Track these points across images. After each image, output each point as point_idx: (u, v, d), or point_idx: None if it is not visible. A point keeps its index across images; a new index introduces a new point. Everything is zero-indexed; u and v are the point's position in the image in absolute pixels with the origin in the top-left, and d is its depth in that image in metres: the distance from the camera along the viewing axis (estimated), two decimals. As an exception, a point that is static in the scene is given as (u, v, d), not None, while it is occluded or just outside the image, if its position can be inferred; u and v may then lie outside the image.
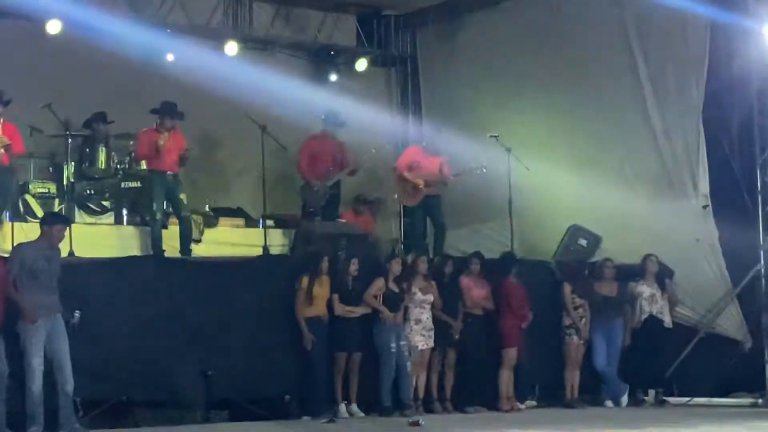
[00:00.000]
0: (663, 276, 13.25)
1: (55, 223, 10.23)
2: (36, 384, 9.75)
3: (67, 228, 10.50)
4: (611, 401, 12.90)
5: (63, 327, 9.96)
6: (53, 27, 14.59)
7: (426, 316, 11.99)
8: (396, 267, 11.97)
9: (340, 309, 11.64)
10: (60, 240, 10.16)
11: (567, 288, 12.80)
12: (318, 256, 11.89)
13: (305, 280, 11.51)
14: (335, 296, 11.65)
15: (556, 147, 15.15)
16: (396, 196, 14.17)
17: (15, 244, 10.42)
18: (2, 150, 11.56)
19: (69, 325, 10.00)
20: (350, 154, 13.80)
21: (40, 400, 9.78)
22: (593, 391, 13.05)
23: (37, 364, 9.76)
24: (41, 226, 10.22)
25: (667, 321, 13.08)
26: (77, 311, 10.03)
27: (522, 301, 12.48)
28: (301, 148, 13.65)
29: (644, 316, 12.98)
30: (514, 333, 12.37)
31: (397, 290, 11.88)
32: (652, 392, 13.09)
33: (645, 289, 13.04)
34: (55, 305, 9.95)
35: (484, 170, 13.69)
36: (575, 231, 14.33)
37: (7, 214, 12.35)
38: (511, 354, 12.34)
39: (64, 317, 9.99)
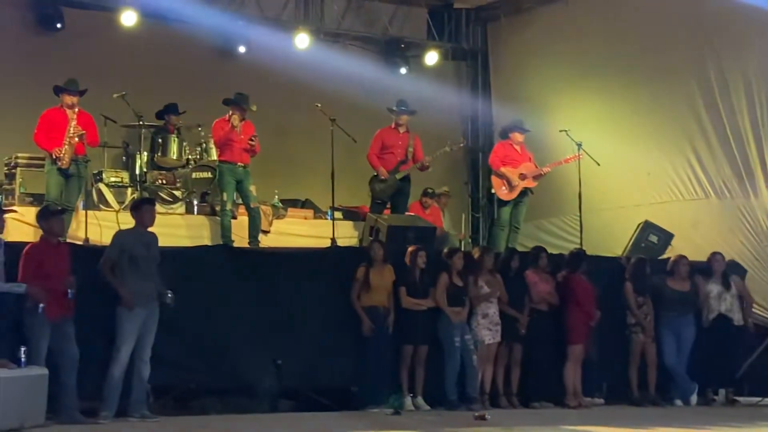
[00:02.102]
0: (729, 274, 13.07)
1: (141, 206, 10.36)
2: (119, 370, 9.87)
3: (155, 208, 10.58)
4: (680, 400, 12.75)
5: (157, 316, 10.07)
6: (128, 18, 14.79)
7: (493, 310, 11.95)
8: (459, 262, 11.93)
9: (407, 302, 11.64)
10: (152, 220, 10.23)
11: (629, 286, 12.68)
12: (372, 243, 11.91)
13: (361, 271, 11.53)
14: (402, 289, 11.65)
15: (625, 142, 15.05)
16: (492, 190, 14.13)
17: (116, 231, 10.52)
18: (77, 139, 11.73)
19: (164, 306, 10.10)
20: (422, 149, 13.75)
21: (119, 386, 9.91)
22: (663, 389, 12.90)
23: (126, 350, 9.88)
24: (132, 214, 10.33)
25: (737, 319, 12.91)
26: (169, 291, 10.13)
27: (590, 298, 12.38)
28: (373, 139, 13.64)
29: (713, 315, 12.82)
30: (580, 329, 12.28)
31: (461, 284, 11.85)
32: (722, 392, 12.93)
33: (713, 288, 12.88)
34: (153, 293, 10.05)
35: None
36: (646, 227, 14.20)
37: (81, 202, 12.55)
38: (576, 350, 12.25)
39: (159, 299, 10.11)
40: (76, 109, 11.85)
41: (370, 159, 13.58)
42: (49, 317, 9.42)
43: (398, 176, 13.55)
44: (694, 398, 12.72)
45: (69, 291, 9.55)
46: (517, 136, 13.98)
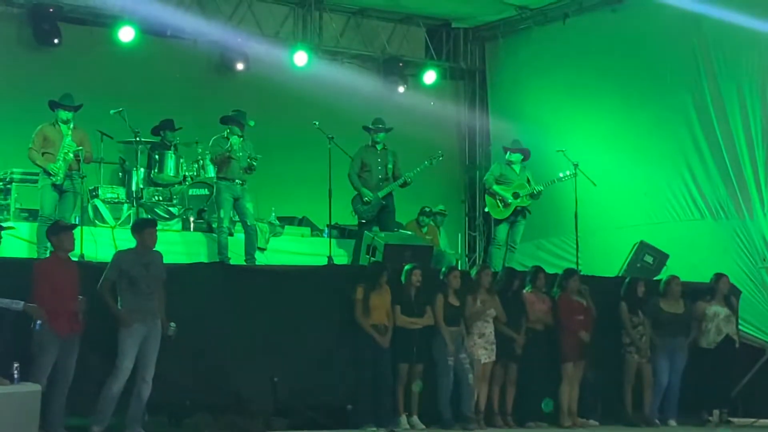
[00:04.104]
0: (731, 295, 13.07)
1: (144, 227, 10.31)
2: (118, 386, 9.84)
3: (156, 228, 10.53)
4: (674, 420, 12.73)
5: (159, 334, 10.03)
6: (126, 34, 14.80)
7: (489, 329, 11.93)
8: (455, 281, 11.92)
9: (402, 320, 11.62)
10: (153, 242, 10.21)
11: (624, 306, 12.66)
12: (377, 266, 11.90)
13: (360, 291, 11.50)
14: (397, 307, 11.62)
15: (622, 162, 15.08)
16: (486, 209, 14.14)
17: (115, 252, 10.50)
18: (71, 155, 11.71)
19: (165, 337, 10.10)
20: (400, 165, 13.73)
21: (114, 402, 9.88)
22: (659, 410, 12.87)
23: (126, 366, 9.84)
24: (133, 235, 10.31)
25: (737, 341, 12.91)
26: (172, 323, 10.13)
27: (576, 317, 12.35)
28: (352, 158, 13.57)
29: (721, 337, 12.77)
30: (570, 348, 12.26)
31: (457, 304, 11.84)
32: (716, 412, 12.91)
33: (721, 310, 12.82)
34: (153, 311, 10.02)
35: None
36: (642, 248, 14.21)
37: (77, 218, 12.53)
38: (568, 369, 12.24)
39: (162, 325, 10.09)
40: (72, 125, 11.83)
41: (351, 179, 13.52)
42: (59, 333, 9.46)
43: (380, 194, 13.49)
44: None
45: (79, 310, 9.59)
46: (514, 156, 14.01)
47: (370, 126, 13.69)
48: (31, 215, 12.43)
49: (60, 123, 11.83)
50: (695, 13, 14.16)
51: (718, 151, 14.53)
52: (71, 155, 11.70)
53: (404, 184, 13.66)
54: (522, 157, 14.04)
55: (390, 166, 13.63)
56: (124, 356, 9.86)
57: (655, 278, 13.61)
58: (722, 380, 12.78)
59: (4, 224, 10.15)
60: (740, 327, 13.34)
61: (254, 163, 12.68)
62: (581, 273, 12.91)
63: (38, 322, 9.29)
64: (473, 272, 12.33)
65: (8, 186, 12.90)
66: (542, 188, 13.84)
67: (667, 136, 14.96)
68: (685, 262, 13.94)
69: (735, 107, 14.35)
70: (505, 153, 14.20)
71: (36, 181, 12.11)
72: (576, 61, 16.15)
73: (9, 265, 9.65)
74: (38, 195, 11.95)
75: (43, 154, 11.76)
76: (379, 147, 13.64)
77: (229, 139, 12.60)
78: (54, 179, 11.69)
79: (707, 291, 12.98)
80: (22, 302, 9.28)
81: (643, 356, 12.61)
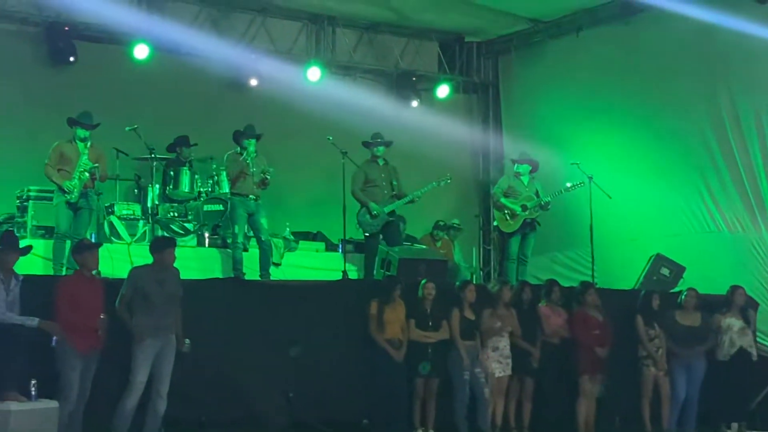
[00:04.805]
0: (747, 308, 13.02)
1: (164, 248, 10.31)
2: (132, 400, 9.86)
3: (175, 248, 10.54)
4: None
5: (173, 349, 10.06)
6: (140, 51, 14.86)
7: (503, 343, 11.91)
8: (470, 295, 11.91)
9: (416, 334, 11.61)
10: (171, 261, 10.24)
11: (640, 319, 12.62)
12: (391, 280, 11.91)
13: (374, 306, 11.50)
14: (411, 321, 11.62)
15: (637, 175, 15.06)
16: (495, 222, 14.13)
17: (131, 269, 10.52)
18: (87, 174, 11.76)
19: (180, 353, 10.13)
20: (401, 181, 13.71)
21: (130, 418, 9.90)
22: (677, 423, 12.82)
23: (140, 381, 9.87)
24: (152, 253, 10.34)
25: (754, 353, 12.85)
26: (187, 339, 10.17)
27: (592, 332, 12.32)
28: (354, 175, 13.51)
29: (734, 350, 12.74)
30: (589, 361, 12.23)
31: (472, 318, 11.82)
32: (735, 425, 12.85)
33: (735, 322, 12.78)
34: (167, 327, 10.04)
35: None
36: (658, 260, 14.18)
37: (93, 235, 12.58)
38: (586, 383, 12.21)
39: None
40: (89, 144, 11.90)
41: (356, 196, 13.44)
42: (80, 349, 9.53)
43: (386, 209, 13.46)
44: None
45: (100, 327, 9.66)
46: (522, 168, 14.01)
47: (370, 140, 13.68)
48: (48, 232, 12.48)
49: (77, 140, 11.89)
50: (711, 24, 14.11)
51: (733, 164, 14.51)
52: (87, 174, 11.77)
53: (410, 202, 13.64)
54: (530, 168, 14.03)
55: (395, 182, 13.60)
56: (137, 371, 9.88)
57: (671, 291, 13.58)
58: (740, 393, 12.72)
59: (22, 243, 10.20)
60: (759, 339, 13.29)
61: (268, 177, 12.71)
62: (597, 286, 12.89)
63: (54, 338, 9.35)
64: (491, 286, 12.32)
65: (25, 203, 12.95)
66: (550, 199, 13.81)
67: (683, 149, 14.93)
68: (702, 275, 13.89)
69: (750, 119, 14.33)
70: (513, 165, 14.21)
71: (51, 199, 12.16)
72: (590, 73, 16.14)
73: (27, 282, 9.69)
74: (53, 212, 12.01)
75: (59, 170, 11.83)
76: (380, 162, 13.63)
77: (242, 154, 12.65)
78: (69, 197, 11.75)
79: (723, 303, 12.94)
80: (37, 319, 9.35)
81: (660, 369, 12.57)
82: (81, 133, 11.89)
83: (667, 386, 12.57)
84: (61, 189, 11.80)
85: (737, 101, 14.48)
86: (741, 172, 14.38)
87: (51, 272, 11.73)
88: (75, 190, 11.74)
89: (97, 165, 11.81)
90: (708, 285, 13.35)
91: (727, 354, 12.72)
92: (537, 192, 13.90)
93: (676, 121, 14.97)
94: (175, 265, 10.35)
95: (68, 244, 11.68)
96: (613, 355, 12.34)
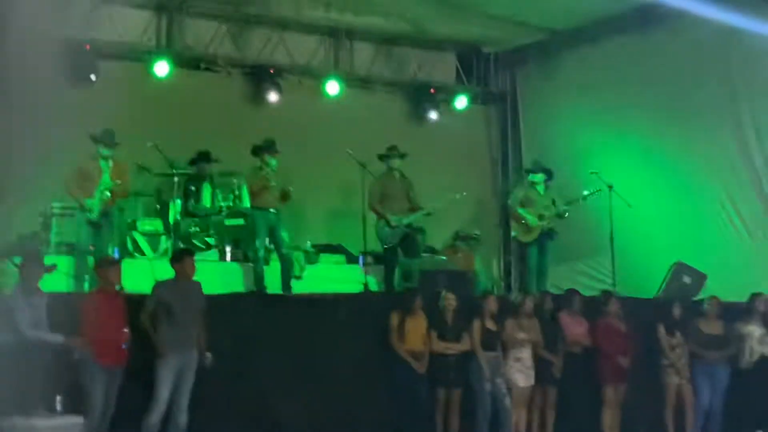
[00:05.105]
0: (769, 315, 12.98)
1: (182, 258, 10.45)
2: (156, 415, 9.94)
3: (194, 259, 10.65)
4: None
5: (194, 362, 10.16)
6: (161, 68, 14.95)
7: (526, 353, 11.93)
8: (492, 305, 11.93)
9: (438, 345, 11.64)
10: (193, 272, 10.36)
11: (661, 328, 12.61)
12: (411, 292, 11.94)
13: (395, 318, 11.54)
14: (433, 333, 11.65)
15: (657, 183, 15.03)
16: (513, 233, 14.14)
17: (154, 282, 10.62)
18: (108, 194, 11.83)
19: (203, 367, 10.20)
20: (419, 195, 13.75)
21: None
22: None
23: (164, 396, 9.96)
24: (172, 266, 10.42)
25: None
26: (209, 353, 10.23)
27: (615, 341, 12.31)
28: (371, 188, 13.52)
29: (756, 357, 12.70)
30: (613, 371, 12.23)
31: (494, 329, 11.84)
32: (759, 433, 12.83)
33: (755, 329, 12.76)
34: (190, 341, 10.15)
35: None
36: (679, 268, 14.16)
37: (116, 250, 12.65)
38: (609, 393, 12.21)
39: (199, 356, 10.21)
40: (110, 162, 11.97)
41: (374, 209, 13.46)
42: (104, 365, 9.65)
43: (405, 221, 13.48)
44: None
45: (123, 342, 9.76)
46: (537, 177, 14.03)
47: (385, 153, 13.73)
48: (71, 249, 12.53)
49: (100, 158, 11.98)
50: (730, 31, 14.06)
51: (754, 171, 14.47)
52: (108, 194, 11.85)
53: (428, 215, 13.66)
54: (545, 177, 14.05)
55: (412, 195, 13.63)
56: (161, 386, 9.96)
57: (693, 299, 13.56)
58: (763, 400, 12.67)
59: (46, 261, 10.31)
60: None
61: (291, 188, 12.75)
62: (618, 295, 12.88)
63: (77, 350, 9.48)
64: (513, 297, 12.35)
65: (48, 220, 13.03)
66: (567, 208, 13.84)
67: (703, 156, 14.88)
68: (725, 282, 13.84)
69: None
70: (527, 174, 14.25)
71: (74, 215, 12.25)
72: (608, 82, 16.11)
73: (51, 298, 9.78)
74: (75, 229, 12.10)
75: (80, 187, 11.92)
76: (397, 174, 13.66)
77: (263, 168, 12.72)
78: (89, 215, 11.83)
79: (745, 311, 12.90)
80: (62, 336, 9.44)
81: (683, 378, 12.55)
82: (103, 151, 11.99)
83: (690, 395, 12.55)
84: (81, 207, 11.89)
85: (758, 108, 14.44)
86: (761, 179, 14.34)
87: (74, 289, 11.82)
88: (95, 208, 11.83)
89: (119, 182, 11.89)
90: (729, 292, 13.33)
91: (749, 362, 12.69)
92: (553, 200, 13.92)
93: (696, 130, 14.92)
94: (196, 279, 10.42)
95: (90, 260, 11.77)
96: (635, 364, 12.34)
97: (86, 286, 11.67)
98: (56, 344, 9.44)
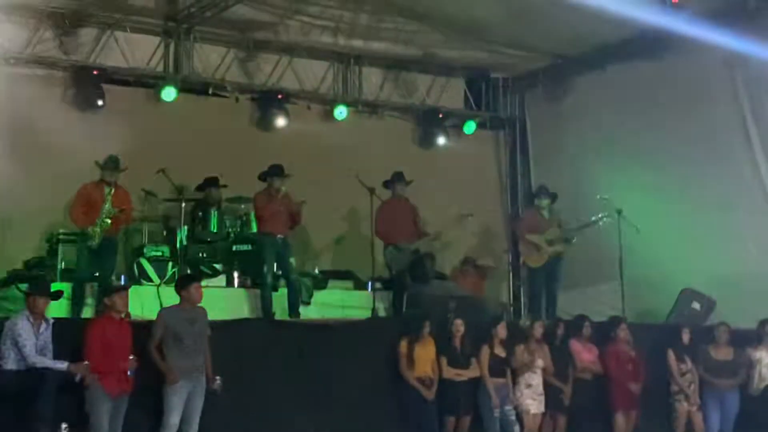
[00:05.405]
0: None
1: (189, 283, 10.41)
2: None
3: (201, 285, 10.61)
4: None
5: (203, 388, 10.13)
6: (168, 94, 14.96)
7: (536, 380, 11.86)
8: (502, 332, 11.86)
9: (448, 372, 11.58)
10: (199, 298, 10.32)
11: (671, 354, 12.54)
12: (419, 318, 11.89)
13: (404, 344, 11.49)
14: (443, 359, 11.59)
15: (666, 208, 14.97)
16: (522, 260, 14.10)
17: (160, 309, 10.60)
18: (108, 221, 11.79)
19: (211, 392, 10.16)
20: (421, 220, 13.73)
21: None
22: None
23: (173, 423, 9.92)
24: (178, 292, 10.39)
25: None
26: (218, 377, 10.18)
27: (625, 368, 12.23)
28: (376, 214, 13.50)
29: (765, 383, 12.62)
30: (623, 398, 12.15)
31: (503, 355, 11.77)
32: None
33: (765, 356, 12.69)
34: (199, 367, 10.12)
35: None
36: (689, 294, 14.09)
37: (123, 277, 12.62)
38: (620, 420, 12.12)
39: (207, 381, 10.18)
40: (111, 190, 11.94)
41: (381, 235, 13.44)
42: (109, 393, 9.60)
43: (411, 247, 13.41)
44: None
45: (129, 370, 9.72)
46: (543, 202, 14.00)
47: (391, 180, 13.69)
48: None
49: (104, 185, 11.96)
50: (738, 54, 14.06)
51: (765, 195, 14.42)
52: (108, 221, 11.80)
53: (434, 239, 13.63)
54: (550, 201, 14.05)
55: (418, 220, 13.60)
56: (170, 413, 9.92)
57: (703, 324, 13.47)
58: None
59: (53, 287, 10.29)
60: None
61: (303, 205, 12.69)
62: (628, 321, 12.80)
63: (79, 375, 9.43)
64: (522, 322, 12.29)
65: (54, 246, 13.02)
66: (575, 233, 13.81)
67: (712, 181, 14.83)
68: (734, 308, 13.77)
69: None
70: (533, 200, 14.25)
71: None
72: (617, 108, 16.09)
73: (57, 325, 9.76)
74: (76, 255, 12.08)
75: (83, 213, 11.89)
76: (403, 201, 13.62)
77: (270, 193, 12.70)
78: (90, 243, 11.80)
79: (754, 337, 12.83)
80: (66, 362, 9.41)
81: (693, 404, 12.47)
82: (107, 177, 11.96)
83: (700, 421, 12.48)
84: (83, 234, 11.87)
85: (765, 129, 14.42)
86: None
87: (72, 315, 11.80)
88: (96, 237, 11.79)
89: (123, 209, 11.85)
90: (739, 318, 13.25)
91: (758, 389, 12.61)
92: (559, 222, 13.90)
93: (706, 154, 14.89)
94: (204, 305, 10.39)
95: (89, 287, 11.74)
96: (645, 391, 12.27)
97: (86, 312, 11.65)
98: (61, 371, 9.40)
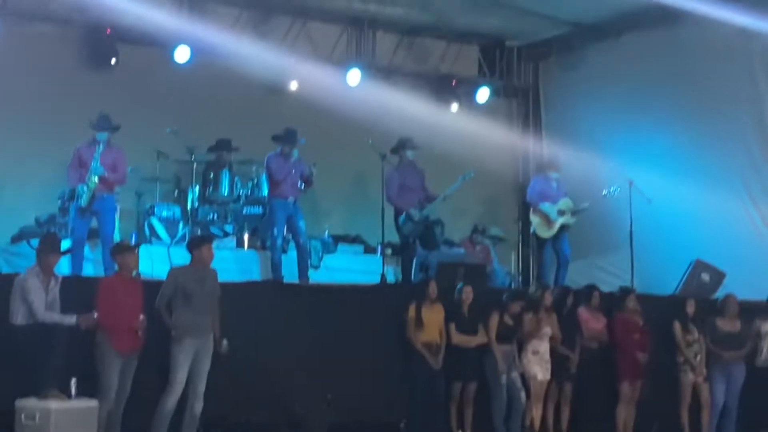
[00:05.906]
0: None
1: (201, 244, 10.40)
2: (171, 400, 9.94)
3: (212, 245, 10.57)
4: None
5: (210, 348, 10.13)
6: (181, 55, 14.92)
7: (543, 347, 11.89)
8: (515, 308, 11.85)
9: (456, 338, 11.61)
10: (210, 259, 10.32)
11: (677, 325, 12.55)
12: (424, 280, 11.91)
13: (412, 309, 11.52)
14: (452, 325, 11.62)
15: (677, 179, 14.94)
16: (532, 229, 14.07)
17: (170, 268, 10.62)
18: (95, 180, 11.73)
19: (218, 354, 10.19)
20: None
21: (168, 418, 9.98)
22: (716, 430, 12.71)
23: (179, 381, 9.94)
24: (190, 251, 10.40)
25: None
26: (225, 340, 10.21)
27: (633, 337, 12.25)
28: (387, 180, 13.41)
29: (772, 355, 12.69)
30: (630, 367, 12.17)
31: (510, 323, 11.80)
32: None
33: (771, 328, 12.74)
34: (206, 327, 10.12)
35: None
36: (698, 266, 14.08)
37: (133, 235, 12.63)
38: (626, 389, 12.16)
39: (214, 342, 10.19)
40: (102, 147, 11.82)
41: (392, 201, 13.36)
42: (120, 349, 9.65)
43: (425, 213, 13.40)
44: None
45: (139, 328, 9.77)
46: (553, 172, 13.97)
47: (400, 144, 13.67)
48: (90, 233, 12.51)
49: (94, 144, 11.92)
50: (752, 26, 13.99)
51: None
52: (94, 179, 11.74)
53: (443, 201, 13.62)
54: (558, 174, 14.02)
55: (426, 185, 13.59)
56: (177, 370, 9.95)
57: (712, 297, 13.48)
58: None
59: (63, 245, 10.34)
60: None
61: (313, 169, 12.70)
62: (636, 292, 12.81)
63: (82, 322, 9.51)
64: (531, 291, 12.31)
65: (66, 204, 13.03)
66: (587, 206, 13.78)
67: (724, 152, 14.81)
68: (744, 281, 13.77)
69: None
70: (542, 171, 14.22)
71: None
72: (631, 77, 16.04)
73: (66, 282, 9.82)
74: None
75: (78, 172, 11.88)
76: (411, 166, 13.60)
77: (282, 156, 12.70)
78: (79, 201, 11.78)
79: (764, 309, 12.84)
80: (75, 315, 9.46)
81: (699, 375, 12.50)
82: (98, 136, 11.92)
83: (706, 392, 12.50)
84: (72, 192, 11.86)
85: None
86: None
87: (92, 272, 11.83)
88: (84, 195, 11.76)
89: (104, 172, 11.74)
90: (748, 291, 13.25)
91: (764, 361, 12.64)
92: (566, 194, 13.87)
93: (718, 125, 14.86)
94: (214, 266, 10.41)
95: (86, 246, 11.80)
96: (651, 361, 12.29)
97: (87, 270, 11.68)
98: (71, 326, 9.45)
